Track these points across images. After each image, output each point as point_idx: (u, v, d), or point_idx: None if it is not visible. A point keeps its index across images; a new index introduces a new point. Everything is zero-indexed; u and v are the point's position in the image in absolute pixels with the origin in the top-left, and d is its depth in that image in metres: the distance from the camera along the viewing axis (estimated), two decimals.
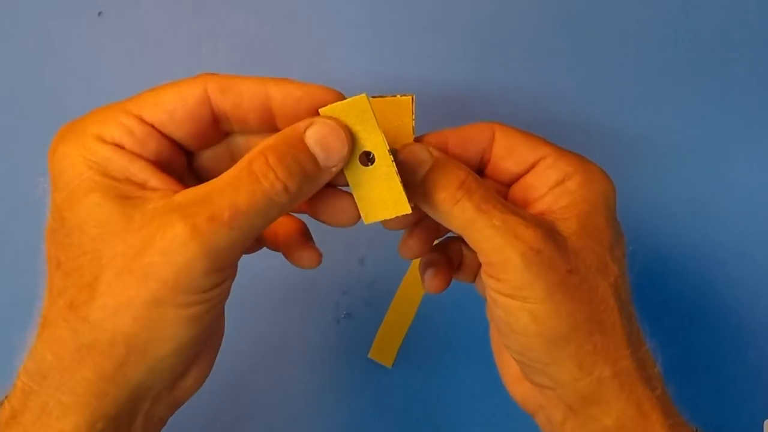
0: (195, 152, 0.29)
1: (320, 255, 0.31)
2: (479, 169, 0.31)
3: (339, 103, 0.26)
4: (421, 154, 0.28)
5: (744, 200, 0.45)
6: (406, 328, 0.45)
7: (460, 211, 0.27)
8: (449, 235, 0.34)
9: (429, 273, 0.33)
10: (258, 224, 0.25)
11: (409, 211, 0.27)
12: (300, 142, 0.25)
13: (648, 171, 0.45)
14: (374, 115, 0.26)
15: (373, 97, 0.29)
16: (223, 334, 0.30)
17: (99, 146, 0.25)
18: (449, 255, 0.34)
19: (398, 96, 0.29)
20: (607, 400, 0.27)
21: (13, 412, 0.25)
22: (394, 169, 0.27)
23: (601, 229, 0.28)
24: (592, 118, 0.45)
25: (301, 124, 0.26)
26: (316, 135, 0.26)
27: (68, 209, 0.25)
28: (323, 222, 0.30)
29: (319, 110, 0.26)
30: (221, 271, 0.24)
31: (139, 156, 0.26)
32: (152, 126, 0.26)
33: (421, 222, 0.32)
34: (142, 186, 0.25)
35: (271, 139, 0.25)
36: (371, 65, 0.44)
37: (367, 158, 0.27)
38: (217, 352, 0.30)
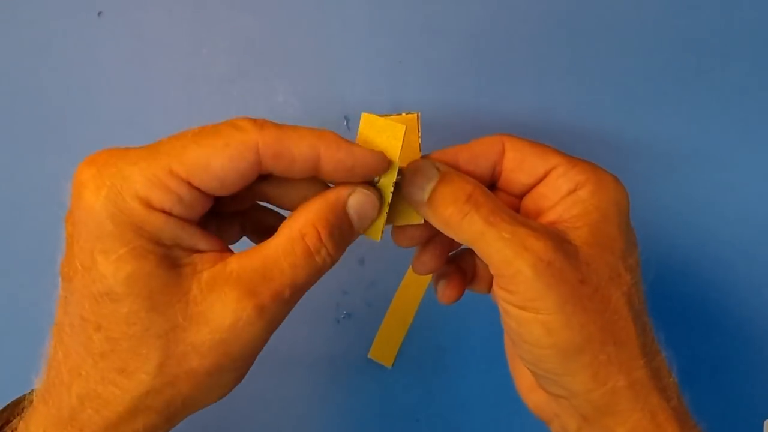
0: None
1: None
2: (491, 182, 0.31)
3: (383, 119, 0.27)
4: (428, 171, 0.29)
5: (746, 203, 0.45)
6: (406, 328, 0.45)
7: (468, 225, 0.27)
8: (464, 247, 0.34)
9: (442, 284, 0.33)
10: (306, 291, 0.27)
11: (377, 239, 0.28)
12: (344, 213, 0.27)
13: (648, 174, 0.45)
14: (402, 146, 0.27)
15: (379, 116, 0.29)
16: None
17: (149, 214, 0.24)
18: (462, 266, 0.34)
19: (404, 114, 0.29)
20: (621, 410, 0.27)
21: None
22: (388, 199, 0.28)
23: (614, 237, 0.28)
24: (592, 122, 0.45)
25: (344, 193, 0.27)
26: (356, 205, 0.27)
27: (114, 276, 0.24)
28: None
29: (363, 114, 0.28)
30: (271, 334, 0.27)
31: (188, 221, 0.25)
32: (198, 189, 0.25)
33: (434, 238, 0.32)
34: (191, 250, 0.26)
35: (319, 209, 0.27)
36: (371, 66, 0.44)
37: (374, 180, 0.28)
38: None
